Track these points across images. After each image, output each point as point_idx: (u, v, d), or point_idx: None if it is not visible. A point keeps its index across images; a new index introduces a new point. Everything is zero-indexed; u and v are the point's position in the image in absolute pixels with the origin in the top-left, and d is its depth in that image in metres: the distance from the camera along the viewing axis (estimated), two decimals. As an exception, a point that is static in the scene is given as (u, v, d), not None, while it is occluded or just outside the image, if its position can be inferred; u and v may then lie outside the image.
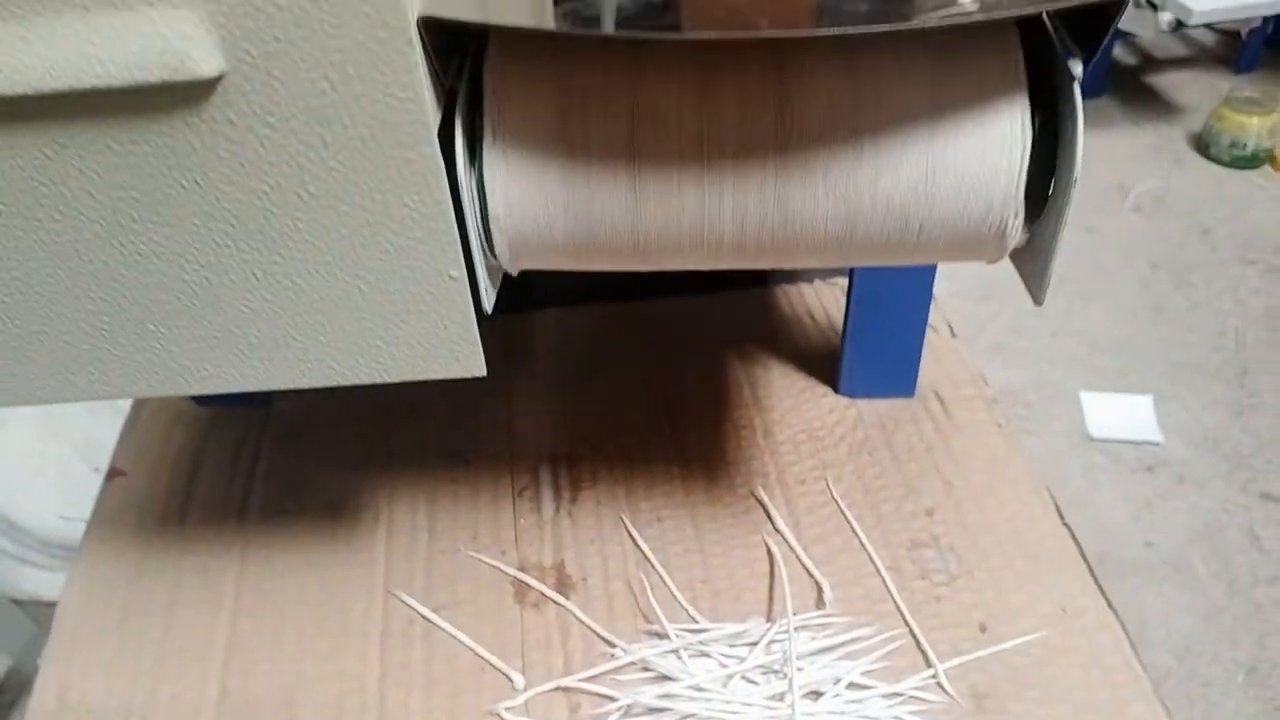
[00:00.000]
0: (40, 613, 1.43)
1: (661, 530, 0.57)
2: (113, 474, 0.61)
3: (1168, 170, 2.12)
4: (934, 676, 0.49)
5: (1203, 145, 2.13)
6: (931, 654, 0.50)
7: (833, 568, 0.55)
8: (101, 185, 0.34)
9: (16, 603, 1.41)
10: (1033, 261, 0.38)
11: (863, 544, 0.56)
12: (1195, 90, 2.33)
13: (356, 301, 0.38)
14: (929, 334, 0.68)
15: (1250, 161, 2.07)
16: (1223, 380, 1.67)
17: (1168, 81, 2.37)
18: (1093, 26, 0.33)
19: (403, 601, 0.54)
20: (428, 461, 0.61)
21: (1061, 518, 0.57)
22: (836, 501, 0.58)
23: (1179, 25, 1.94)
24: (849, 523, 0.57)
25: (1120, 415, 1.61)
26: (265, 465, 0.61)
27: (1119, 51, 2.36)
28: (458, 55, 0.35)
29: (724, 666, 0.49)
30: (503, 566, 0.55)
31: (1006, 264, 0.42)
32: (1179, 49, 2.45)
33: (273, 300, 0.37)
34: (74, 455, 1.42)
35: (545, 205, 0.36)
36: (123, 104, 0.32)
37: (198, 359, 0.39)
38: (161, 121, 0.33)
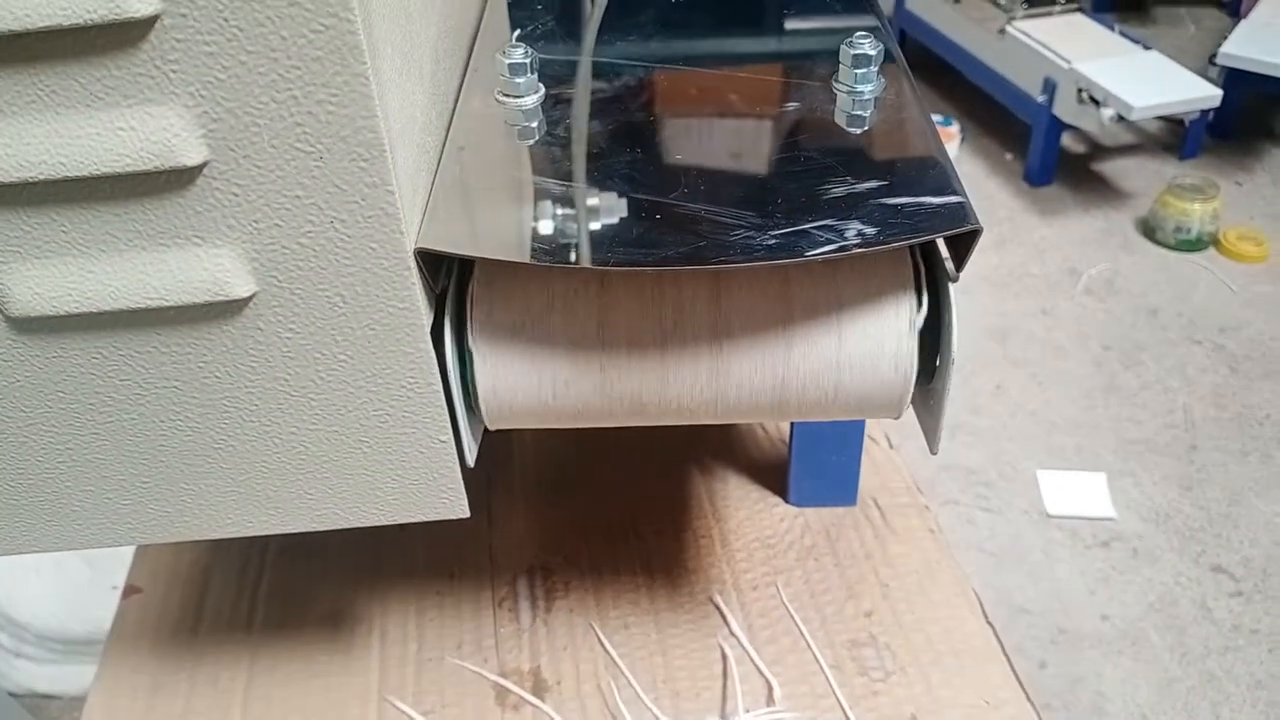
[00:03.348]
0: (36, 705, 1.47)
1: (628, 635, 0.63)
2: (129, 591, 0.68)
3: (1116, 254, 2.22)
4: (869, 766, 0.56)
5: (1149, 230, 2.24)
6: (868, 745, 0.57)
7: (781, 666, 0.61)
8: (148, 377, 0.41)
9: (13, 695, 1.45)
10: (928, 417, 0.46)
11: (808, 644, 0.62)
12: (1142, 176, 2.44)
13: (360, 461, 0.45)
14: (868, 446, 0.75)
15: (1194, 245, 2.18)
16: (1173, 456, 1.76)
17: (1115, 168, 2.49)
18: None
19: (395, 706, 0.60)
20: (415, 575, 0.67)
21: (986, 617, 0.64)
22: (785, 605, 0.65)
23: (1120, 119, 2.06)
24: (796, 625, 0.63)
25: (1076, 493, 1.68)
26: (268, 580, 0.68)
27: (1068, 140, 2.48)
28: (445, 262, 0.42)
29: (683, 761, 0.56)
30: (484, 673, 0.61)
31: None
32: (1126, 137, 2.58)
33: (288, 462, 0.44)
34: (70, 553, 1.47)
35: (523, 383, 0.44)
36: (171, 318, 0.39)
37: (223, 510, 0.46)
38: (201, 330, 0.40)
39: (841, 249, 0.38)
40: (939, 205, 0.40)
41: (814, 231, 0.39)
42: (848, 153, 0.43)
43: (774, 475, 0.73)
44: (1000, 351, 1.98)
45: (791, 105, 0.47)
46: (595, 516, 0.71)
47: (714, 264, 0.37)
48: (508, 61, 0.47)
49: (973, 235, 0.39)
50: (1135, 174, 2.46)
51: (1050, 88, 2.22)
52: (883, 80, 0.47)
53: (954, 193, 0.40)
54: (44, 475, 0.44)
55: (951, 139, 2.50)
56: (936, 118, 2.58)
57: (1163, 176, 2.38)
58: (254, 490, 0.45)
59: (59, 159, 0.35)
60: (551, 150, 0.45)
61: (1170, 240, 2.19)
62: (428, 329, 0.41)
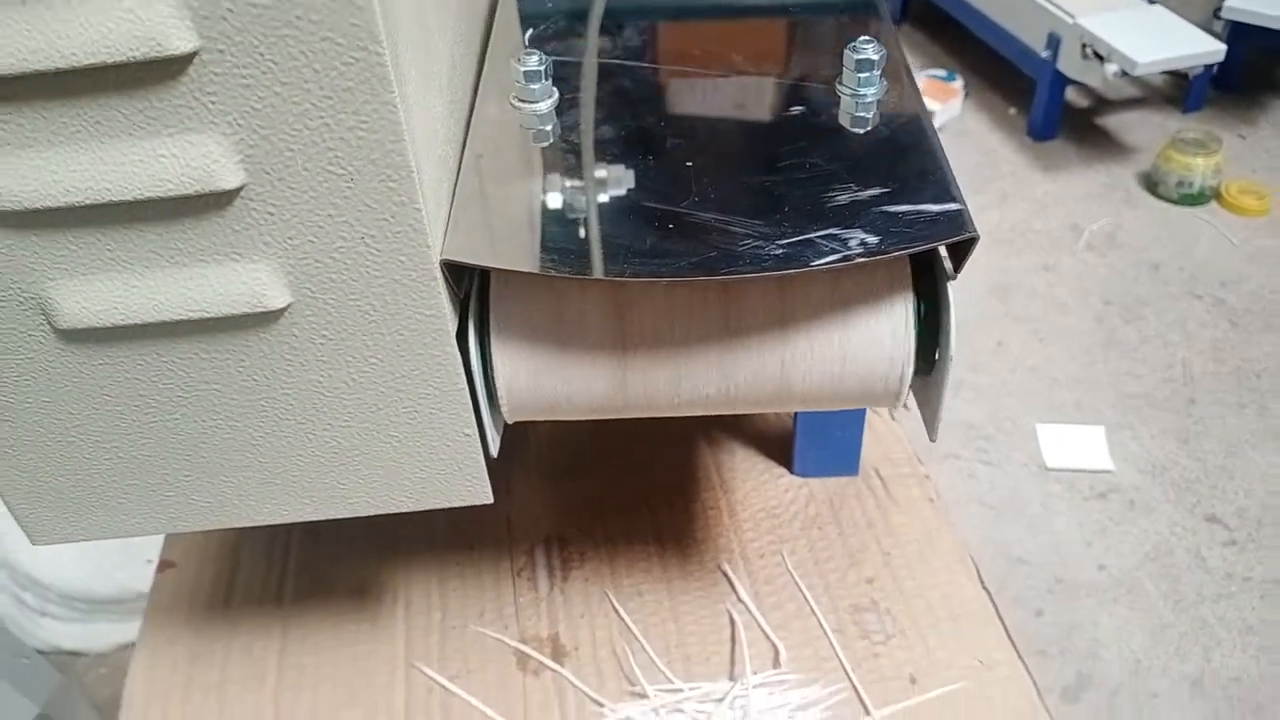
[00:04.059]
0: (62, 661, 1.52)
1: (641, 603, 0.66)
2: (163, 566, 0.71)
3: (1119, 209, 2.23)
4: (871, 726, 0.59)
5: (1152, 184, 2.24)
6: (869, 704, 0.60)
7: (787, 631, 0.64)
8: (189, 381, 0.44)
9: (40, 652, 1.49)
10: (927, 407, 0.48)
11: (813, 610, 0.65)
12: (1145, 130, 2.45)
13: (390, 454, 0.47)
14: (870, 418, 0.78)
15: (1197, 199, 2.19)
16: (1171, 410, 1.78)
17: (1119, 122, 2.49)
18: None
19: (422, 672, 0.63)
20: (436, 548, 0.70)
21: (982, 582, 0.67)
22: (791, 573, 0.68)
23: (1124, 74, 2.06)
24: (801, 591, 0.67)
25: (1074, 446, 1.72)
26: (295, 556, 0.71)
27: (1072, 95, 2.48)
28: (469, 268, 0.45)
29: (695, 723, 0.59)
30: (506, 639, 0.65)
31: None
32: (1130, 90, 2.57)
33: (322, 455, 0.47)
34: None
35: (541, 382, 0.46)
36: (211, 328, 0.42)
37: (262, 499, 0.49)
38: (240, 338, 0.42)
39: (845, 259, 0.40)
40: (938, 213, 0.42)
41: (819, 241, 0.41)
42: (852, 158, 0.45)
43: (779, 447, 0.76)
44: (1002, 308, 2.00)
45: (797, 109, 0.49)
46: (608, 490, 0.74)
47: (724, 275, 0.40)
48: (523, 69, 0.49)
49: (970, 240, 0.41)
50: (1139, 128, 2.46)
51: (1054, 43, 2.22)
52: (885, 83, 0.49)
53: (953, 200, 0.43)
54: (93, 469, 0.47)
55: (955, 94, 2.50)
56: (940, 73, 2.58)
57: (1166, 130, 2.38)
58: (291, 481, 0.48)
59: (104, 184, 0.37)
60: (567, 158, 0.47)
61: (1173, 194, 2.20)
62: (453, 333, 0.44)
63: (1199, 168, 2.16)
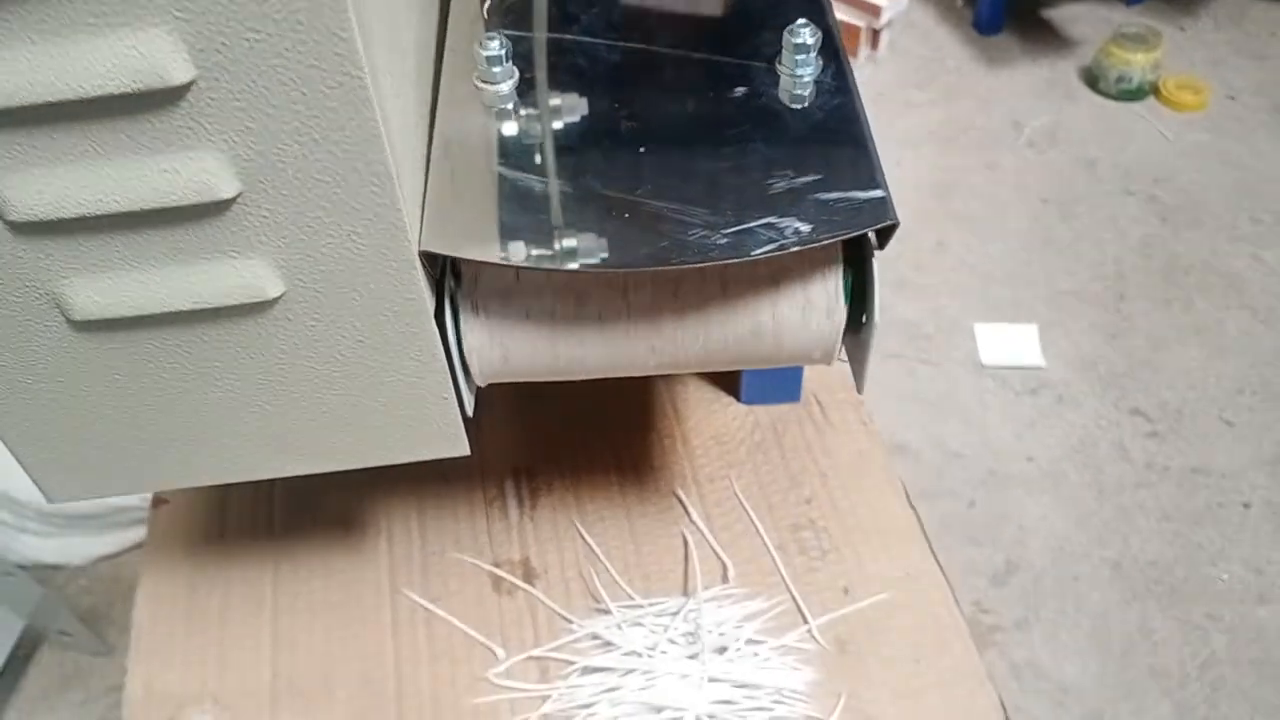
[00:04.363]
0: (43, 575, 1.57)
1: (604, 527, 0.73)
2: (157, 502, 0.76)
3: (1060, 104, 2.28)
4: (809, 630, 0.67)
5: (1092, 79, 2.29)
6: (807, 613, 0.68)
7: (735, 550, 0.71)
8: (193, 361, 0.48)
9: (21, 567, 1.54)
10: (855, 363, 0.54)
11: (758, 530, 0.72)
12: (1090, 23, 2.48)
13: (377, 417, 0.52)
14: (812, 346, 0.84)
15: (1135, 94, 2.24)
16: (1101, 306, 1.87)
17: (1064, 15, 2.51)
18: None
19: (408, 597, 0.69)
20: (413, 480, 0.76)
21: (909, 501, 0.74)
22: (738, 496, 0.74)
23: (1065, -28, 2.08)
24: (747, 513, 0.73)
25: (1009, 344, 1.80)
26: (281, 489, 0.76)
27: (1017, -13, 2.49)
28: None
29: (654, 634, 0.66)
30: (481, 564, 0.71)
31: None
32: (1073, -19, 2.59)
33: (316, 420, 0.52)
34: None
35: (508, 351, 0.51)
36: (212, 315, 0.46)
37: (264, 457, 0.54)
38: (239, 323, 0.47)
39: (780, 248, 0.45)
40: (864, 200, 0.47)
41: (758, 230, 0.46)
42: (788, 143, 0.50)
43: (728, 378, 0.82)
44: (942, 208, 2.06)
45: (740, 90, 0.53)
46: (571, 422, 0.79)
47: (675, 265, 0.45)
48: (485, 54, 0.52)
49: (892, 225, 0.46)
50: (1083, 20, 2.49)
51: (999, -64, 2.22)
52: (820, 62, 0.53)
53: (877, 187, 0.48)
54: (105, 437, 0.52)
55: (902, -13, 2.50)
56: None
57: (1110, 23, 2.41)
58: (288, 442, 0.53)
59: (112, 198, 0.41)
60: (528, 144, 0.51)
61: (1112, 90, 2.25)
62: (431, 312, 0.48)
63: (1138, 63, 2.20)
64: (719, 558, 0.71)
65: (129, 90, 0.38)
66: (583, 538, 0.72)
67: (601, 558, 0.71)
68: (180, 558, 0.72)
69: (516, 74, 0.54)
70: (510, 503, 0.74)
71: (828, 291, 0.50)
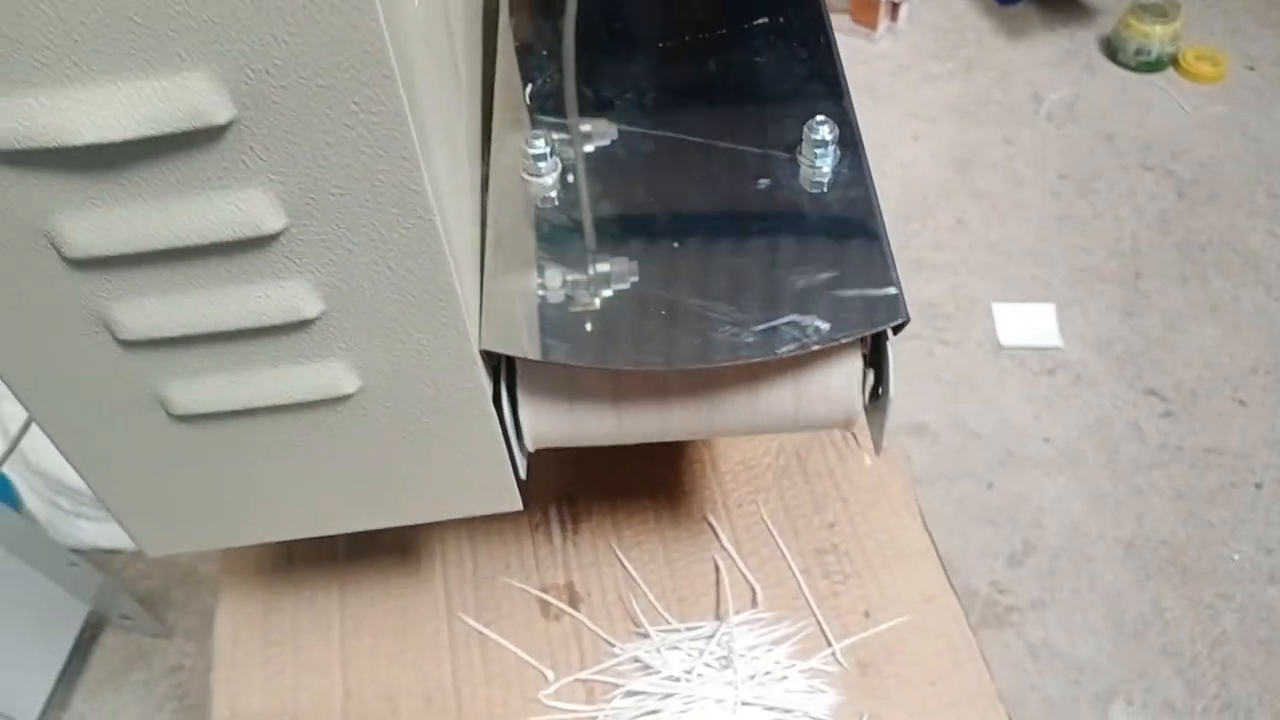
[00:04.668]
0: (101, 559, 1.66)
1: (640, 552, 0.79)
2: (229, 529, 0.82)
3: (1079, 76, 2.29)
4: (833, 653, 0.73)
5: (1112, 50, 2.30)
6: (831, 637, 0.74)
7: (762, 574, 0.77)
8: (277, 441, 0.54)
9: (78, 551, 1.63)
10: (874, 428, 0.59)
11: (783, 554, 0.78)
12: (1109, -10, 2.47)
13: (440, 482, 0.58)
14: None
15: (1154, 66, 2.25)
16: (1118, 284, 1.90)
17: (1083, -17, 2.51)
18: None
19: (462, 620, 0.76)
20: (465, 507, 0.82)
21: (924, 524, 0.80)
22: (765, 520, 0.80)
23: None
24: (774, 537, 0.79)
25: (1027, 323, 1.84)
26: (343, 515, 0.82)
27: (1038, -44, 2.49)
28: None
29: (690, 657, 0.72)
30: (529, 589, 0.77)
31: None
32: (1094, -52, 2.58)
33: (384, 485, 0.58)
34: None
35: (556, 426, 0.57)
36: (295, 409, 0.52)
37: (340, 515, 0.60)
38: (317, 414, 0.53)
39: (803, 346, 0.50)
40: (879, 297, 0.52)
41: (783, 328, 0.51)
42: (809, 236, 0.55)
43: (754, 404, 0.87)
44: (962, 183, 2.09)
45: (764, 181, 0.58)
46: (608, 450, 0.85)
47: (707, 365, 0.50)
48: (531, 151, 0.57)
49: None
50: (1102, -12, 2.49)
51: (1019, -91, 2.22)
52: (838, 153, 0.58)
53: (891, 284, 0.52)
54: (198, 502, 0.58)
55: (922, -42, 2.50)
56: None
57: (1129, -11, 2.41)
58: (362, 503, 0.59)
59: (213, 320, 0.47)
60: (573, 240, 0.56)
61: (1131, 61, 2.26)
62: (490, 396, 0.54)
63: (1157, 35, 2.21)
64: (748, 582, 0.77)
65: (230, 239, 0.43)
66: (621, 563, 0.78)
67: (640, 582, 0.77)
68: (254, 584, 0.79)
69: (560, 167, 0.59)
70: (554, 528, 0.80)
71: (847, 377, 0.55)
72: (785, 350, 0.50)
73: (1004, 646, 1.49)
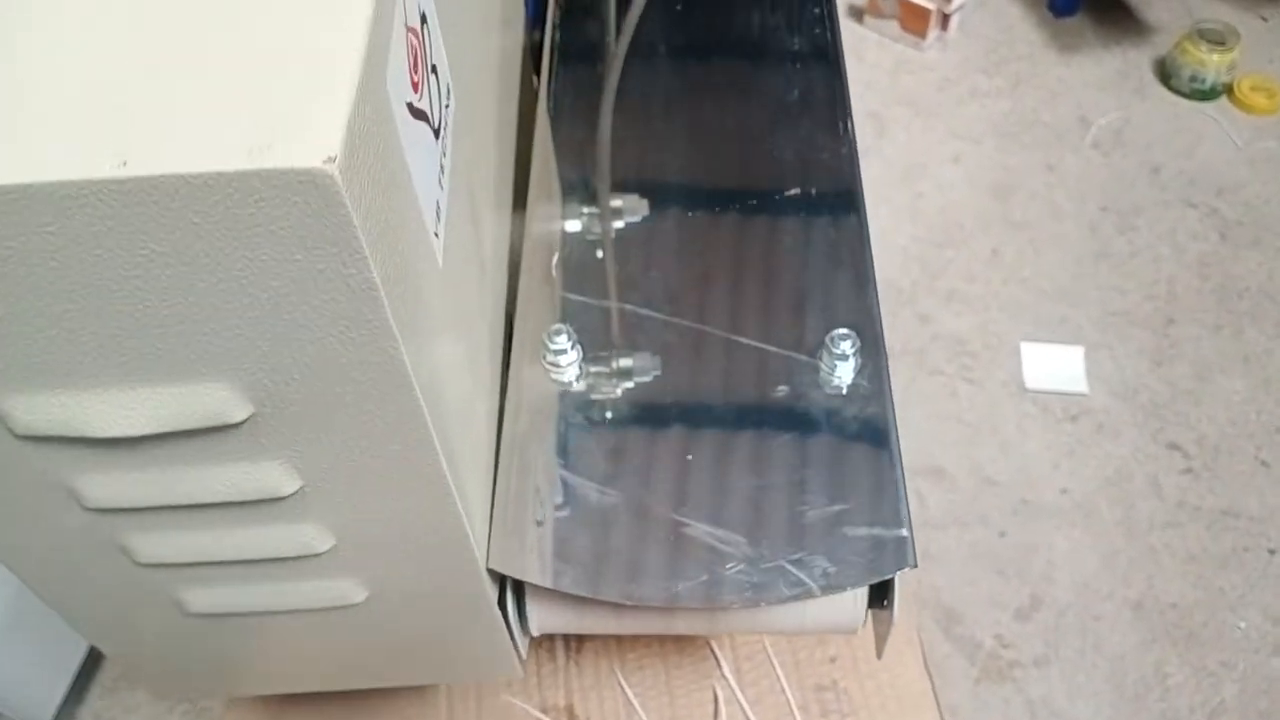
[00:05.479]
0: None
1: (642, 676, 0.80)
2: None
3: (1129, 100, 2.24)
4: (823, 798, 0.74)
5: (1165, 74, 2.24)
6: (824, 779, 0.75)
7: (760, 707, 0.78)
8: (288, 632, 0.55)
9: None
10: (878, 637, 0.60)
11: (783, 687, 0.79)
12: (1167, 7, 2.40)
13: (444, 659, 0.60)
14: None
15: (1208, 95, 2.19)
16: (1150, 329, 1.88)
17: (1141, -2, 2.44)
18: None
19: (464, 737, 0.78)
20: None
21: (925, 666, 0.81)
22: (768, 649, 0.81)
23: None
24: (775, 667, 0.80)
25: (1054, 366, 1.82)
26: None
27: (1096, -33, 2.42)
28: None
29: (683, 795, 0.74)
30: (530, 709, 0.79)
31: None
32: (1156, -38, 2.50)
33: (401, 661, 0.59)
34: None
35: (562, 619, 0.58)
36: (306, 612, 0.53)
37: (339, 679, 0.62)
38: (326, 615, 0.54)
39: (808, 592, 0.50)
40: (888, 539, 0.52)
41: (789, 569, 0.51)
42: (823, 455, 0.55)
43: (765, 522, 0.87)
44: (1000, 212, 2.06)
45: (782, 388, 0.57)
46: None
47: (711, 607, 0.50)
48: (553, 347, 0.57)
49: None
50: (1161, 3, 2.42)
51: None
52: (859, 361, 0.57)
53: (901, 525, 0.53)
54: (209, 668, 0.60)
55: (976, -35, 2.43)
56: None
57: (1188, 7, 2.35)
58: (378, 671, 0.61)
59: (229, 553, 0.48)
60: (588, 448, 0.56)
61: (1184, 88, 2.20)
62: (495, 602, 0.55)
63: (1213, 64, 2.15)
64: (745, 715, 0.78)
65: (245, 500, 0.44)
66: (622, 688, 0.79)
67: (639, 710, 0.78)
68: (262, 711, 0.81)
69: (580, 357, 0.59)
70: (558, 645, 0.82)
71: (852, 601, 0.55)
72: (790, 594, 0.50)
73: (1003, 702, 1.50)
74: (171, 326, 0.35)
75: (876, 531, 0.52)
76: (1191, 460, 1.71)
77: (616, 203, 0.64)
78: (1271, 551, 1.61)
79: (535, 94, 0.73)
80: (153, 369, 0.37)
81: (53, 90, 0.32)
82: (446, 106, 0.47)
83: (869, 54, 2.38)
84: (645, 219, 0.64)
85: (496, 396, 0.59)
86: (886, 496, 0.54)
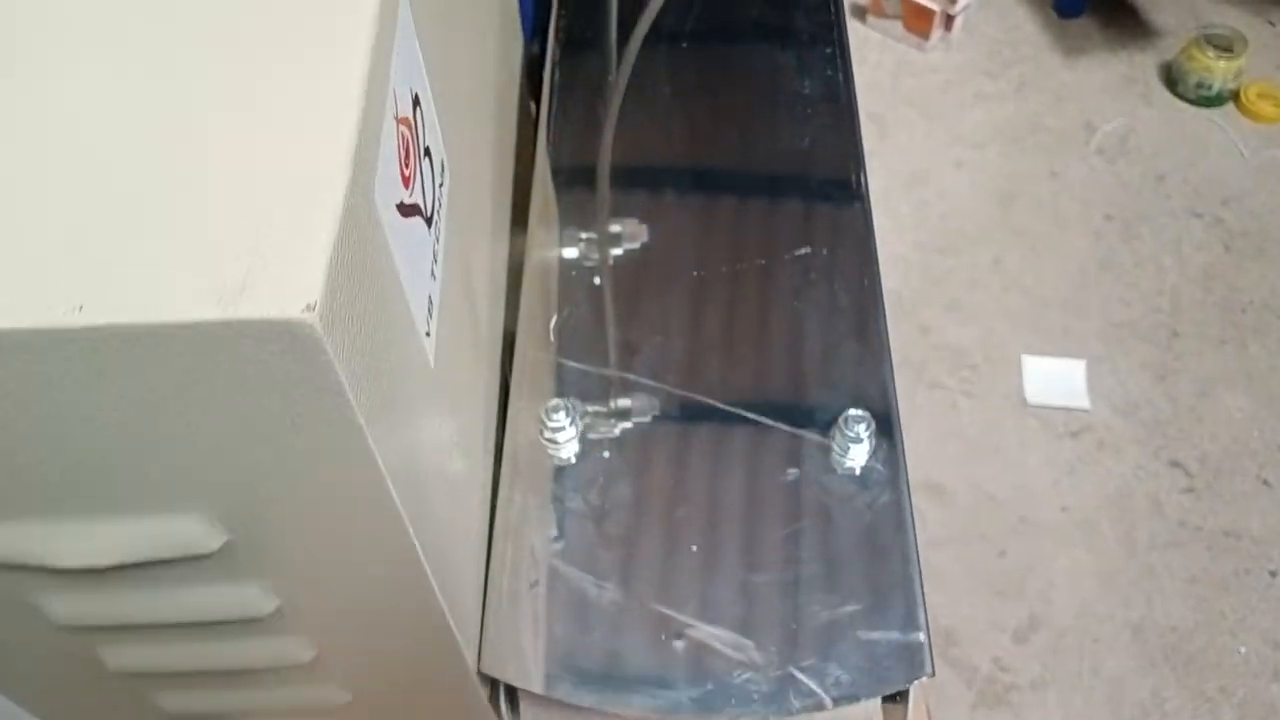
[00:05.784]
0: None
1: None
2: None
3: (1135, 106, 2.20)
4: None
5: (1171, 80, 2.21)
6: None
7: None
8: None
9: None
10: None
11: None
12: (1174, 11, 2.36)
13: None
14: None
15: (1214, 101, 2.16)
16: (1153, 342, 1.85)
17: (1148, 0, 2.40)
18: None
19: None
20: None
21: (930, 729, 0.78)
22: None
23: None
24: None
25: (1055, 380, 1.80)
26: None
27: (1103, -31, 2.38)
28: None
29: None
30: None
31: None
32: (1164, -37, 2.46)
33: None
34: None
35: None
36: (288, 712, 0.50)
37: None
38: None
39: (818, 705, 0.48)
40: (905, 645, 0.49)
41: (800, 677, 0.48)
42: (836, 548, 0.52)
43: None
44: (1003, 219, 2.03)
45: (793, 471, 0.55)
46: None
47: (714, 718, 0.48)
48: (550, 424, 0.54)
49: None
50: (1169, 7, 2.38)
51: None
52: (873, 443, 0.55)
53: (918, 629, 0.50)
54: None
55: (982, -36, 2.39)
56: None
57: (1195, 11, 2.31)
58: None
59: (207, 663, 0.45)
60: (585, 546, 0.53)
61: (1190, 94, 2.17)
62: (486, 700, 0.52)
63: (1220, 71, 2.12)
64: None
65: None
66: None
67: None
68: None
69: (579, 434, 0.56)
70: None
71: (863, 711, 0.53)
72: (799, 707, 0.48)
73: (1000, 727, 1.48)
74: (139, 463, 0.33)
75: (893, 636, 0.49)
76: (1193, 479, 1.69)
77: (617, 250, 0.61)
78: (1273, 574, 1.59)
79: (534, 120, 0.69)
80: (121, 502, 0.34)
81: (8, 227, 0.29)
82: (441, 185, 0.44)
83: (871, 54, 2.34)
84: (649, 267, 0.61)
85: (490, 471, 0.56)
86: (903, 596, 0.51)
